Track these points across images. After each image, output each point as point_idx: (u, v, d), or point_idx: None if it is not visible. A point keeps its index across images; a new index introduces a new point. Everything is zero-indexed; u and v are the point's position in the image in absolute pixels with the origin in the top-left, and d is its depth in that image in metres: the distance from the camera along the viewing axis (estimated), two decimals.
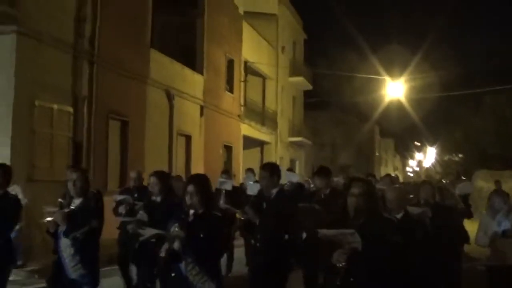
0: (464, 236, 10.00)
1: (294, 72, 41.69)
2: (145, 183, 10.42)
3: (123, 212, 9.27)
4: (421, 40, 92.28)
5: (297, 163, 42.30)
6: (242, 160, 31.25)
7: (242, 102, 31.50)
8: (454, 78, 43.15)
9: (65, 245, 6.56)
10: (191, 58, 24.78)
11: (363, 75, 38.91)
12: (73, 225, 6.55)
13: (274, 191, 7.68)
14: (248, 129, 32.25)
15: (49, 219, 6.55)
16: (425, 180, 10.85)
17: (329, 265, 5.15)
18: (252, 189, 9.62)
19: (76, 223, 6.56)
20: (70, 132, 15.97)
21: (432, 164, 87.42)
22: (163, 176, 8.56)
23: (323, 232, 5.09)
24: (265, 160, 34.72)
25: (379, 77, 35.35)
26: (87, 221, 6.66)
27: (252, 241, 7.86)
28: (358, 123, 62.50)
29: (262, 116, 35.16)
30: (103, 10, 17.00)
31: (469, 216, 10.30)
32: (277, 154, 37.61)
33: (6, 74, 13.62)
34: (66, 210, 6.73)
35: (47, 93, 14.83)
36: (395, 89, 33.29)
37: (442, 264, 8.31)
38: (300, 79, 42.33)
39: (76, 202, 6.78)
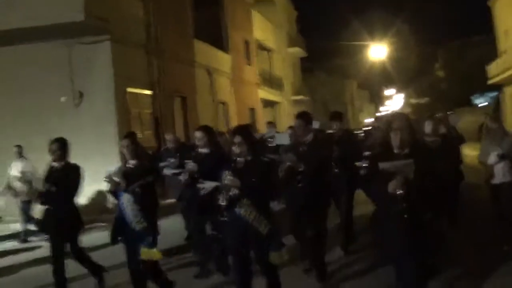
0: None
1: (291, 44, 42.78)
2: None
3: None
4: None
5: None
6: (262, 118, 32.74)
7: (257, 73, 32.83)
8: (422, 39, 44.02)
9: (127, 201, 6.08)
10: (219, 42, 25.92)
11: (347, 42, 39.89)
12: (130, 181, 6.11)
13: (310, 137, 7.14)
14: (263, 93, 33.59)
15: (108, 177, 6.11)
16: (429, 115, 11.12)
17: (385, 195, 4.77)
18: (281, 139, 9.00)
19: (132, 179, 6.12)
20: (150, 109, 17.51)
21: (400, 108, 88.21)
22: (208, 130, 7.53)
23: (384, 165, 4.77)
24: (277, 116, 36.21)
25: (361, 43, 36.51)
26: (142, 177, 6.18)
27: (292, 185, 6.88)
28: (342, 80, 64.00)
29: (272, 82, 36.30)
30: (160, 16, 18.28)
31: (463, 141, 9.93)
32: (286, 111, 38.93)
33: (107, 72, 14.88)
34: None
35: (133, 82, 16.23)
36: (376, 51, 34.49)
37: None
38: (296, 49, 43.49)
39: (131, 162, 6.30)
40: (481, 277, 6.45)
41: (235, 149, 5.52)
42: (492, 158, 7.63)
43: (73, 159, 7.08)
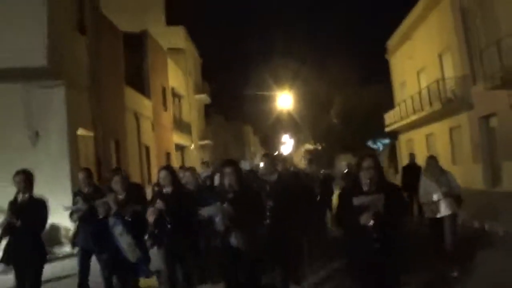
0: None
1: (197, 91, 44.76)
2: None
3: (76, 219, 8.14)
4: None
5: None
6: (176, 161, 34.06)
7: (172, 118, 34.31)
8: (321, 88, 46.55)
9: (119, 233, 6.07)
10: (141, 88, 27.18)
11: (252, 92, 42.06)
12: (121, 209, 6.22)
13: (275, 175, 7.62)
14: (176, 137, 34.94)
15: (100, 202, 6.25)
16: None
17: (357, 227, 5.06)
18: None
19: (122, 208, 6.23)
20: (93, 150, 18.59)
21: (290, 153, 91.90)
22: (171, 169, 7.71)
23: (359, 199, 5.03)
24: (186, 160, 37.59)
25: (260, 93, 38.88)
26: (131, 207, 6.34)
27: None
28: (240, 125, 66.90)
29: (182, 127, 37.67)
30: (99, 61, 19.43)
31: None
32: (193, 155, 40.47)
33: (61, 114, 15.84)
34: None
35: (81, 124, 17.36)
36: (281, 100, 37.07)
37: None
38: (202, 96, 45.48)
39: (121, 196, 6.43)
40: None
41: (226, 180, 5.95)
42: (435, 196, 8.42)
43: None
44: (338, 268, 9.01)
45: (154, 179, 18.35)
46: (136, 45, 27.24)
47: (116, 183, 6.43)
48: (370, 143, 39.75)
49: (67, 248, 13.94)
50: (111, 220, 6.02)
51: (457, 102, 23.48)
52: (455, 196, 8.48)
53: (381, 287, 5.18)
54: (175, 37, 40.01)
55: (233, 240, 5.74)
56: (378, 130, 37.94)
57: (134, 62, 26.50)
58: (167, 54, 34.41)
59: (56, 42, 15.56)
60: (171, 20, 42.32)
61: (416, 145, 31.12)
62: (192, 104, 43.35)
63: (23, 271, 6.69)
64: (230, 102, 65.69)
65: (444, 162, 11.97)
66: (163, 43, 33.70)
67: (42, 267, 6.82)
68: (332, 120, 47.87)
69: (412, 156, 15.56)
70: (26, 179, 6.82)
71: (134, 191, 7.37)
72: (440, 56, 26.28)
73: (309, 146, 66.46)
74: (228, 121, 64.95)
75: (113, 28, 22.01)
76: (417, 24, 29.29)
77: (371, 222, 4.96)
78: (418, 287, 7.50)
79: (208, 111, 51.76)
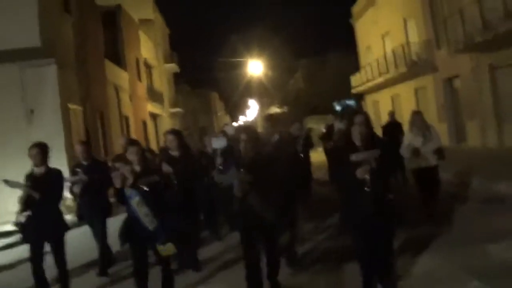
0: None
1: (167, 60, 45.34)
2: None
3: (78, 191, 7.98)
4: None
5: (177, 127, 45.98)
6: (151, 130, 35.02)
7: (146, 88, 35.03)
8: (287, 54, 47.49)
9: (136, 203, 5.93)
10: (118, 61, 27.97)
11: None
12: (137, 178, 5.95)
13: (276, 137, 7.59)
14: (150, 107, 35.80)
15: (116, 173, 6.03)
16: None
17: (354, 182, 5.18)
18: (217, 143, 8.20)
19: (139, 177, 5.98)
20: (83, 123, 19.37)
21: (255, 117, 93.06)
22: (178, 133, 7.88)
23: (356, 156, 5.16)
24: (160, 127, 38.43)
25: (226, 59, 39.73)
26: (147, 177, 6.05)
27: None
28: (206, 92, 67.65)
29: (154, 96, 38.26)
30: (82, 38, 20.14)
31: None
32: (166, 122, 41.18)
33: (54, 91, 16.54)
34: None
35: (71, 100, 18.12)
36: (252, 67, 38.03)
37: None
38: (172, 65, 46.07)
39: (136, 167, 6.11)
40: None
41: (241, 146, 5.97)
42: (423, 149, 8.74)
43: (27, 168, 6.94)
44: (330, 226, 9.46)
45: None
46: (111, 20, 27.84)
47: (131, 154, 6.15)
48: (335, 104, 40.82)
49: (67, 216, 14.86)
50: (128, 191, 5.92)
51: (422, 65, 24.82)
52: (437, 150, 8.80)
53: (377, 241, 5.35)
54: (144, 8, 40.26)
55: (251, 205, 5.80)
56: (344, 93, 39.14)
57: (109, 36, 27.06)
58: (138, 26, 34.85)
59: (47, 22, 16.26)
60: None
61: (382, 106, 32.54)
62: (162, 73, 43.91)
63: (43, 244, 6.69)
64: (197, 71, 66.17)
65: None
66: (133, 14, 34.09)
67: (63, 237, 6.84)
68: (298, 84, 48.95)
69: (391, 114, 15.36)
70: (41, 151, 6.74)
71: (149, 161, 7.34)
72: (405, 21, 27.50)
73: (275, 109, 67.55)
74: (195, 89, 65.54)
75: (93, 5, 22.62)
76: None
77: (367, 176, 5.14)
78: (408, 240, 7.67)
79: (177, 81, 52.24)
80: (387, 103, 31.34)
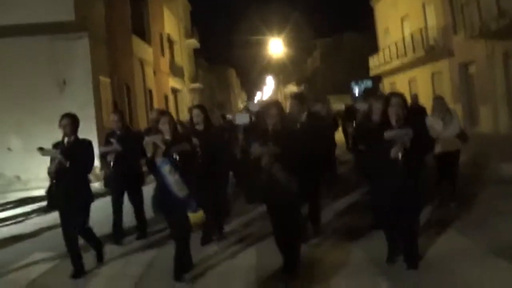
0: None
1: (188, 36, 46.00)
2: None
3: (112, 160, 8.11)
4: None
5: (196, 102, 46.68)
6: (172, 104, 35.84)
7: (168, 63, 35.80)
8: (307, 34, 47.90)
9: (168, 171, 6.01)
10: (143, 36, 28.64)
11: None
12: (169, 147, 6.06)
13: (304, 115, 7.52)
14: (171, 82, 36.58)
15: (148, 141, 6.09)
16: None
17: (387, 161, 5.35)
18: (241, 119, 8.98)
19: (170, 146, 6.09)
20: (111, 95, 20.21)
21: (272, 94, 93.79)
22: (203, 108, 7.97)
23: (389, 133, 5.30)
24: (180, 102, 39.21)
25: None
26: (178, 146, 6.15)
27: None
28: (224, 68, 68.38)
29: (176, 71, 38.80)
30: (112, 13, 20.97)
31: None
32: (186, 97, 42.05)
33: (86, 64, 17.38)
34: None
35: (101, 73, 18.95)
36: (273, 45, 38.47)
37: None
38: (192, 41, 46.73)
39: (168, 136, 6.22)
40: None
41: (269, 120, 6.04)
42: (444, 133, 8.73)
43: (58, 139, 7.00)
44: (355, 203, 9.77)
45: None
46: None
47: (163, 124, 6.28)
48: (353, 85, 41.40)
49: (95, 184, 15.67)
50: (159, 160, 6.03)
51: (439, 50, 25.35)
52: (459, 134, 8.93)
53: (405, 215, 5.61)
54: None
55: (278, 177, 5.86)
56: (361, 73, 39.61)
57: (135, 11, 27.77)
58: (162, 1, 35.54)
59: None
60: None
61: (399, 89, 33.01)
62: (183, 49, 44.57)
63: (70, 212, 6.73)
64: (215, 47, 66.84)
65: (427, 104, 12.82)
66: None
67: (89, 206, 6.96)
68: (316, 63, 49.53)
69: (414, 97, 14.86)
70: (72, 122, 6.81)
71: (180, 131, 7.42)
72: (423, 6, 27.93)
73: (292, 88, 68.21)
74: (212, 65, 66.21)
75: None
76: None
77: (400, 155, 5.27)
78: (431, 221, 7.85)
79: (196, 56, 52.87)
80: (405, 86, 31.86)
